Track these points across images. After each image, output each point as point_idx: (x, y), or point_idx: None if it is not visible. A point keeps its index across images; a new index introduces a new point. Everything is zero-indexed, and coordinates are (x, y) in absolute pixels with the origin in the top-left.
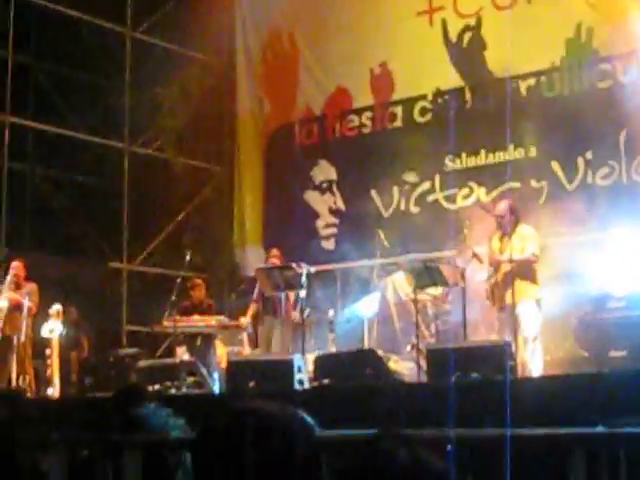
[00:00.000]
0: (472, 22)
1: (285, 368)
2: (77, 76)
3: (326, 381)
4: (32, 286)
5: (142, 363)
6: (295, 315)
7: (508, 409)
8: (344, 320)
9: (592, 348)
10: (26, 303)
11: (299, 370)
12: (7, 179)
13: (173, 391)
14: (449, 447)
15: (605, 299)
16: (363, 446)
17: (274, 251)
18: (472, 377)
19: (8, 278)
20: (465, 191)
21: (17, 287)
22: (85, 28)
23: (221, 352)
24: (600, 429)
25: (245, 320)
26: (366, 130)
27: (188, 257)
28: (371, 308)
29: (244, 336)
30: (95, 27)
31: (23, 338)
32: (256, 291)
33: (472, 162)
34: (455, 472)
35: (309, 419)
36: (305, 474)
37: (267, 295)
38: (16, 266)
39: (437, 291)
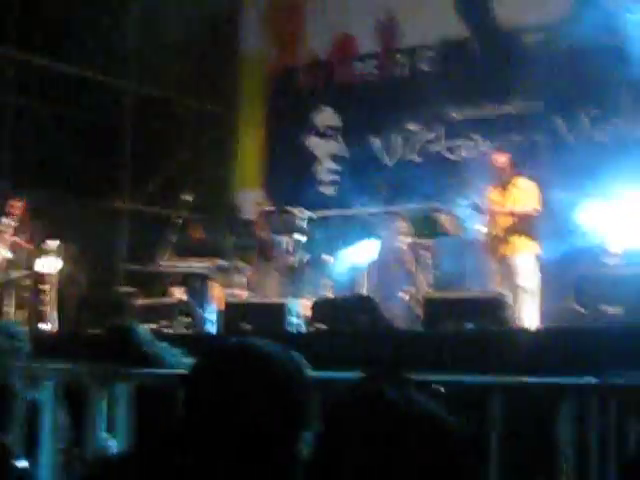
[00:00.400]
0: None
1: (279, 311)
2: (83, 14)
3: (322, 326)
4: (31, 225)
5: (139, 302)
6: (293, 260)
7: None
8: (342, 268)
9: (588, 303)
10: (29, 247)
11: (295, 314)
12: (11, 115)
13: (169, 330)
14: (442, 389)
15: (603, 254)
16: (355, 386)
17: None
18: (467, 327)
19: (8, 221)
20: (468, 142)
21: (21, 227)
22: None
23: (219, 294)
24: (591, 380)
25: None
26: (371, 77)
27: (188, 198)
28: (368, 254)
29: (243, 280)
30: None
31: (20, 274)
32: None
33: (476, 114)
34: (448, 414)
35: (301, 359)
36: (296, 412)
37: (264, 240)
38: (17, 206)
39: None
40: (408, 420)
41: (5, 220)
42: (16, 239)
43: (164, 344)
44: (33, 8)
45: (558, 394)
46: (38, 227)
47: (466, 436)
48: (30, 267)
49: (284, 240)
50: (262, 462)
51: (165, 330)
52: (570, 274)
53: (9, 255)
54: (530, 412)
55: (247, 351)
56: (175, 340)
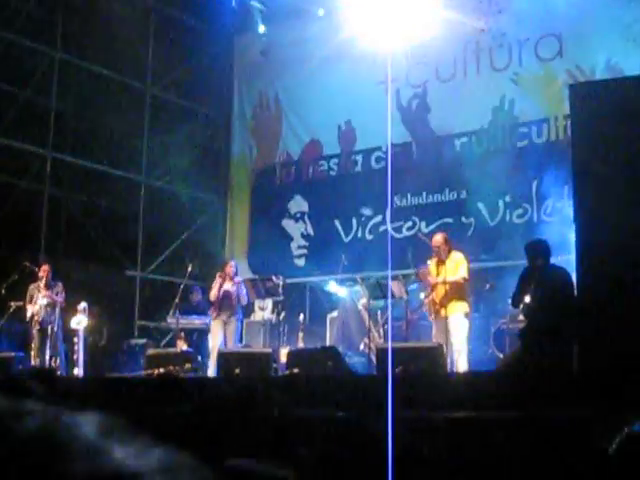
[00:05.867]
0: (419, 91)
1: (265, 358)
2: (105, 122)
3: (296, 370)
4: (59, 285)
5: (150, 351)
6: (273, 317)
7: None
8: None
9: (506, 351)
10: (58, 299)
11: (275, 360)
12: (47, 202)
13: (176, 374)
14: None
15: (516, 313)
16: (342, 424)
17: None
18: (411, 371)
19: (42, 281)
20: (409, 224)
21: (47, 287)
22: (114, 84)
23: (213, 344)
24: (512, 413)
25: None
26: (333, 173)
27: (190, 268)
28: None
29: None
30: (122, 83)
31: (56, 328)
32: None
33: (415, 201)
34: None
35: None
36: None
37: (251, 300)
38: (45, 269)
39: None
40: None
41: (38, 282)
42: (47, 292)
43: None
44: (65, 116)
45: (486, 424)
46: (68, 287)
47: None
48: (61, 320)
49: (266, 302)
50: None
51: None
52: (492, 328)
53: (45, 302)
54: (466, 439)
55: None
56: (181, 382)
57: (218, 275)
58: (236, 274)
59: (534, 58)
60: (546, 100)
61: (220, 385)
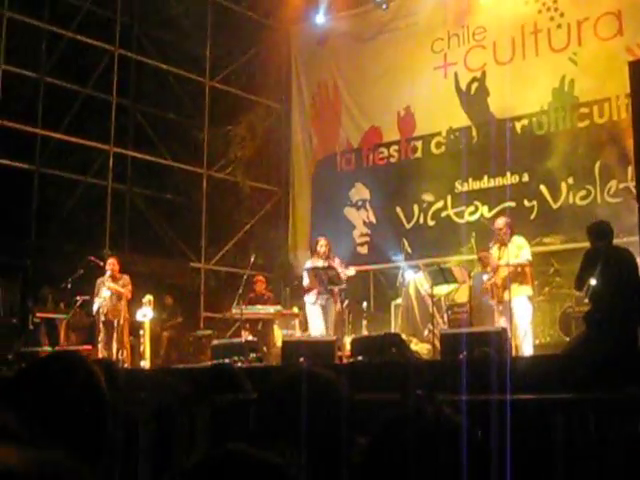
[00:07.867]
0: (478, 74)
1: (328, 347)
2: (166, 115)
3: (360, 358)
4: (125, 278)
5: (215, 342)
6: (337, 306)
7: (507, 380)
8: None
9: (572, 335)
10: (123, 292)
11: (339, 348)
12: (111, 196)
13: (240, 364)
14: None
15: (582, 296)
16: (397, 405)
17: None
18: (475, 356)
19: (107, 273)
20: (471, 208)
21: (114, 279)
22: (173, 77)
23: (277, 334)
24: (575, 395)
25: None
26: (393, 160)
27: (252, 259)
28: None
29: (296, 321)
30: (181, 77)
31: (122, 321)
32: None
33: (477, 185)
34: (468, 425)
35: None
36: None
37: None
38: (111, 262)
39: (449, 289)
40: (439, 430)
41: (106, 275)
42: (112, 285)
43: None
44: (126, 111)
45: (550, 407)
46: (133, 281)
47: (481, 441)
48: (127, 312)
49: (330, 291)
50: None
51: (238, 364)
52: (557, 312)
53: (109, 294)
54: (530, 421)
55: (306, 376)
56: (246, 372)
57: (314, 256)
58: (330, 251)
59: (593, 37)
60: (607, 79)
61: (274, 374)
